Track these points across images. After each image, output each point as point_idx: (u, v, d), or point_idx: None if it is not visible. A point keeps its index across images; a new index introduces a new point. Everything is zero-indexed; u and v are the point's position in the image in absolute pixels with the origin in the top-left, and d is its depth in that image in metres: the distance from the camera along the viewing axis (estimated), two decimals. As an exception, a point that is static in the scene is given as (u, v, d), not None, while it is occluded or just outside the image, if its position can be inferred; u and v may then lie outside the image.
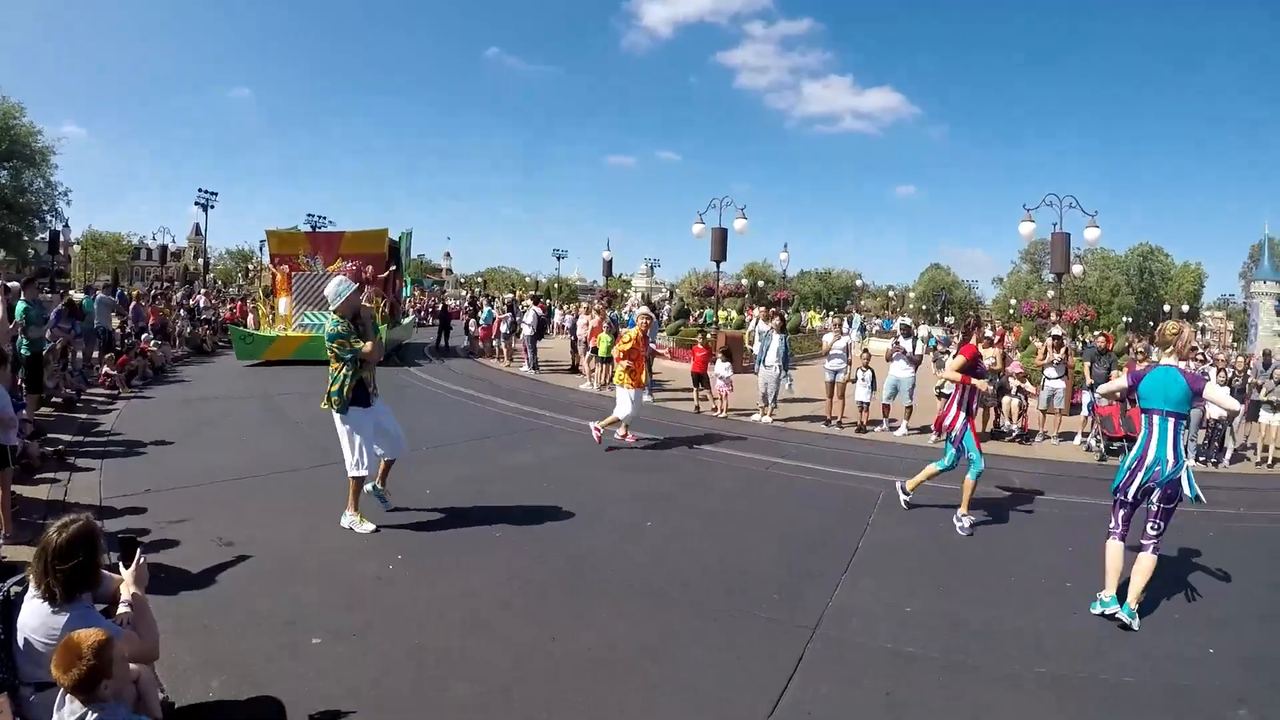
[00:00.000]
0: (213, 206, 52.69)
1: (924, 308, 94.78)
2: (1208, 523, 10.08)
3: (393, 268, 26.99)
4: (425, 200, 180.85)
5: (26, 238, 52.68)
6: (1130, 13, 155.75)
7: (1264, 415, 15.52)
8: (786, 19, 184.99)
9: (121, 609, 4.08)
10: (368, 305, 22.40)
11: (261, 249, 33.98)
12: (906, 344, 15.91)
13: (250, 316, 27.24)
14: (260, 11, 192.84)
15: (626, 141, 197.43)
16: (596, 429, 12.85)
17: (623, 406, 12.92)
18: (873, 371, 15.55)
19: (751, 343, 21.57)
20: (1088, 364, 16.33)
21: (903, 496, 9.77)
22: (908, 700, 5.15)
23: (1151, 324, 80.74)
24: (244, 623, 5.80)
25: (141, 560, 4.25)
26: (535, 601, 6.49)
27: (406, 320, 31.40)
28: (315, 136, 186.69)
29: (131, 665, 3.72)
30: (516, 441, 13.30)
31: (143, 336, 22.12)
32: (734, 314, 36.14)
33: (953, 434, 9.24)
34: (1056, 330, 18.25)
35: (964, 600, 6.91)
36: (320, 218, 51.63)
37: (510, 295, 43.42)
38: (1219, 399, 7.36)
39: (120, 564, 4.27)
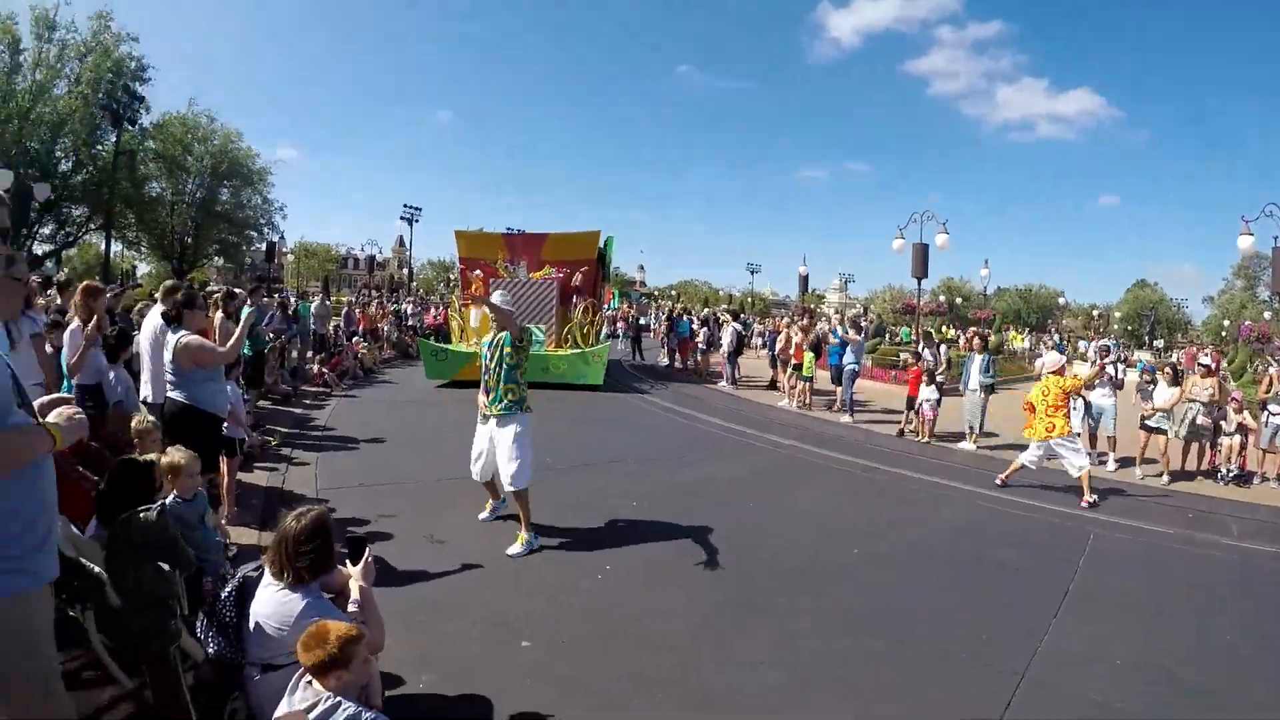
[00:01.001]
0: (417, 221, 55.82)
1: (1129, 328, 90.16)
2: None
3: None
4: (618, 213, 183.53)
5: (245, 247, 57.81)
6: None
7: None
8: (976, 22, 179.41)
9: (351, 606, 4.20)
10: (582, 319, 21.61)
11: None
12: (1107, 367, 15.00)
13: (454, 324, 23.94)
14: (462, 38, 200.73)
15: (816, 154, 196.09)
16: (1086, 500, 11.20)
17: (1076, 457, 11.56)
18: (1085, 400, 14.61)
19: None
20: (1316, 396, 14.62)
21: None
22: None
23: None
24: (454, 620, 5.93)
25: (370, 558, 4.37)
26: (742, 622, 6.36)
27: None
28: (513, 155, 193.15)
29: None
30: (720, 456, 13.20)
31: (354, 339, 23.18)
32: (932, 332, 35.07)
33: None
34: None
35: (1176, 656, 6.32)
36: (519, 231, 53.14)
37: (705, 310, 43.07)
38: None
39: (348, 560, 4.40)
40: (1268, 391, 14.67)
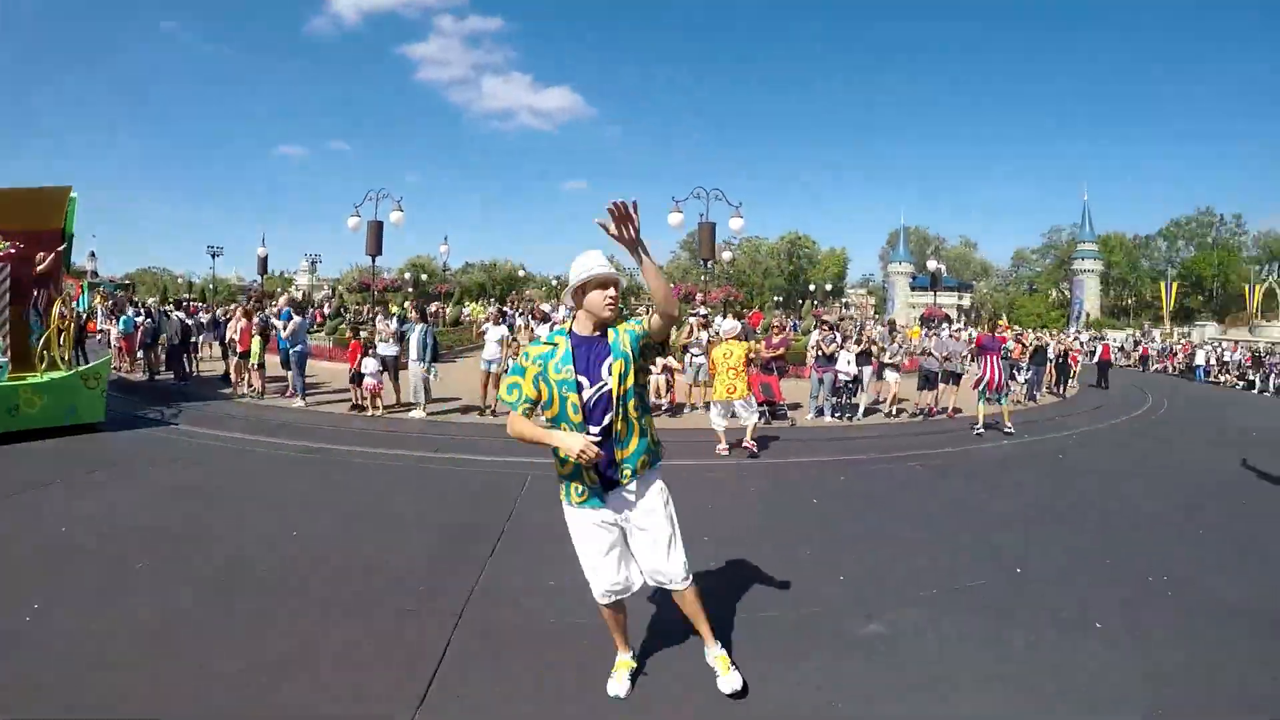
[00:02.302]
0: None
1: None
2: (842, 468, 11.95)
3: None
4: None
5: None
6: (775, 17, 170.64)
7: (888, 375, 18.01)
8: (478, 15, 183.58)
9: None
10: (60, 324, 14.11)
11: None
12: (542, 331, 16.57)
13: None
14: None
15: (299, 131, 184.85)
16: (749, 444, 12.63)
17: (750, 414, 12.82)
18: None
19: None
20: (735, 339, 17.39)
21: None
22: (555, 666, 5.18)
23: (800, 303, 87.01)
24: None
25: None
26: (184, 603, 5.93)
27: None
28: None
29: None
30: (175, 459, 11.64)
31: None
32: (395, 309, 35.17)
33: None
34: (702, 310, 19.23)
35: None
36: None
37: (151, 300, 38.77)
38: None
39: None
40: (688, 337, 16.78)
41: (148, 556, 7.08)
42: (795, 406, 16.66)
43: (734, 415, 12.83)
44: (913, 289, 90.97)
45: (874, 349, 18.17)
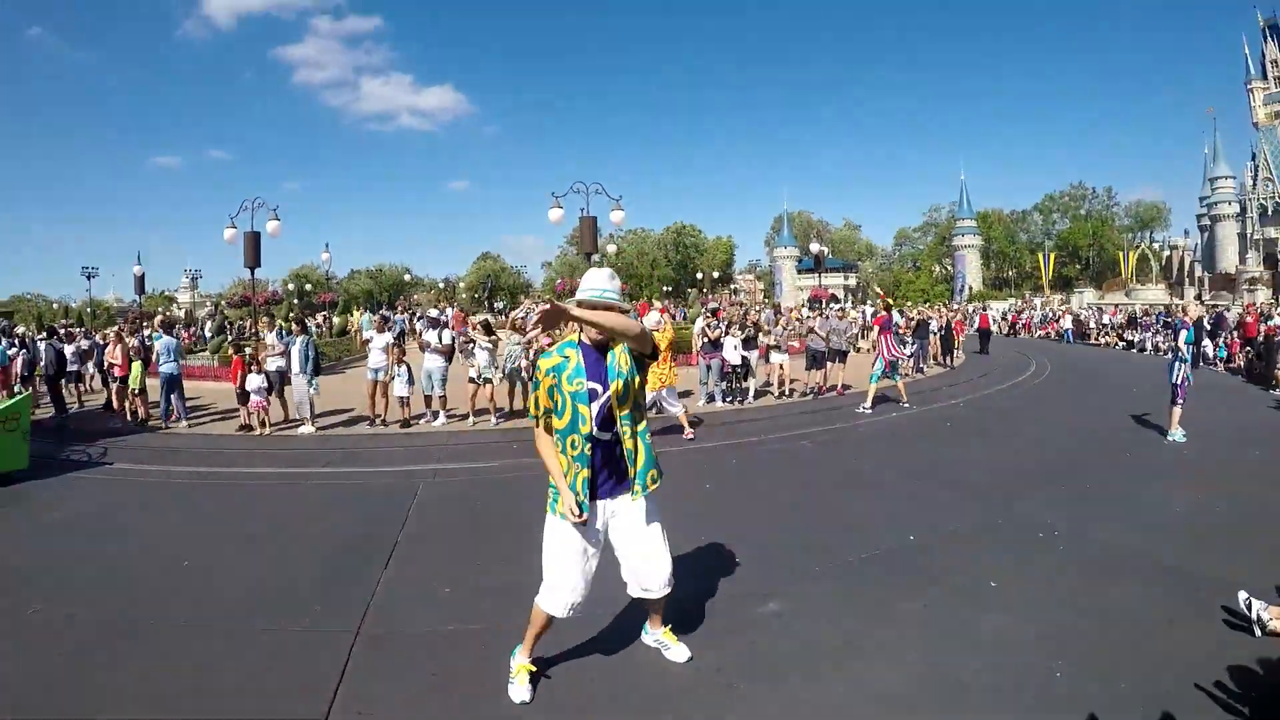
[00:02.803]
0: None
1: (475, 296, 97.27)
2: (734, 451, 12.25)
3: None
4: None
5: None
6: (652, 11, 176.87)
7: (774, 356, 18.41)
8: (356, 15, 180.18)
9: None
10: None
11: None
12: (431, 336, 16.03)
13: None
14: None
15: (173, 140, 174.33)
16: (690, 433, 13.40)
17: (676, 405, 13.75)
18: (408, 366, 15.33)
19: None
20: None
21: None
22: (454, 674, 5.09)
23: (689, 292, 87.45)
24: None
25: None
26: (79, 645, 5.60)
27: None
28: None
29: None
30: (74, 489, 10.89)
31: None
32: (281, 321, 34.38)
33: None
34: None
35: (496, 572, 6.87)
36: None
37: (20, 329, 37.15)
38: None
39: None
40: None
41: (39, 600, 6.65)
42: (686, 394, 16.68)
43: (652, 405, 13.14)
44: (799, 272, 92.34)
45: (759, 333, 18.45)
